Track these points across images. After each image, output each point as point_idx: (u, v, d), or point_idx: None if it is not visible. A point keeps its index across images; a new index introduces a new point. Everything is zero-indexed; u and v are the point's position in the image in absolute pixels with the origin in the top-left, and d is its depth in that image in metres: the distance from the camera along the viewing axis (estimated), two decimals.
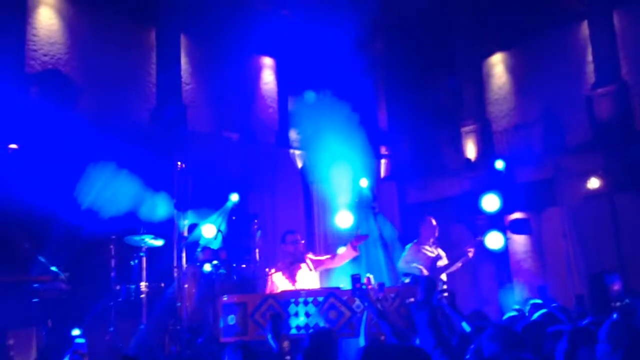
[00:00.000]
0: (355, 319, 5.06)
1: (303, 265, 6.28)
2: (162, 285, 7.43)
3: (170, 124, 9.76)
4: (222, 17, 10.68)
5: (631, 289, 7.87)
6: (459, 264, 7.33)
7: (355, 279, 4.93)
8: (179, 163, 7.99)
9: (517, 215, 11.02)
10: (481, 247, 7.77)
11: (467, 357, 3.59)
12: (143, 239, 7.12)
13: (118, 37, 9.78)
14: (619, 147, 9.96)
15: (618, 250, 9.59)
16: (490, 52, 12.97)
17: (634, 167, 9.57)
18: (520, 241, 11.20)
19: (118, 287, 7.08)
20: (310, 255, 6.47)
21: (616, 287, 7.79)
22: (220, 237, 7.76)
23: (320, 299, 5.19)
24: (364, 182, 10.17)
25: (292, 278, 6.17)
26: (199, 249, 7.91)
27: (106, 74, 9.41)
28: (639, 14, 10.77)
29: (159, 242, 7.37)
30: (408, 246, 7.40)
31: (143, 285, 7.03)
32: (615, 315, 3.40)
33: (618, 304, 7.32)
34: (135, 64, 10.06)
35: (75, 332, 6.21)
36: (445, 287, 7.03)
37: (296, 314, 5.19)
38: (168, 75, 10.18)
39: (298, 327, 5.17)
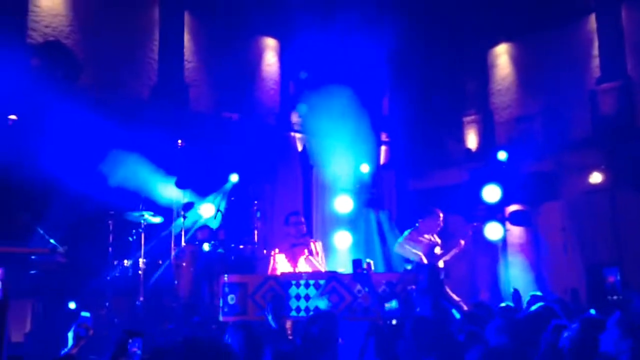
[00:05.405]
0: (356, 303, 5.05)
1: (306, 251, 6.22)
2: (160, 262, 7.40)
3: (171, 102, 9.66)
4: None
5: (627, 283, 7.88)
6: (448, 256, 7.31)
7: (357, 264, 4.91)
8: (179, 141, 7.95)
9: (515, 207, 11.02)
10: (478, 233, 7.74)
11: None
12: (142, 216, 7.08)
13: (121, 12, 9.64)
14: (621, 143, 9.94)
15: (617, 246, 9.60)
16: (495, 43, 12.85)
17: (635, 163, 9.56)
18: (516, 233, 11.21)
19: (116, 262, 7.05)
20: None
21: (611, 279, 7.81)
22: (219, 217, 7.74)
23: (322, 282, 5.18)
24: (365, 168, 10.15)
25: (293, 261, 6.14)
26: (194, 227, 7.89)
27: (108, 48, 9.27)
28: None
29: (158, 219, 7.33)
30: (407, 231, 7.37)
31: (141, 261, 7.00)
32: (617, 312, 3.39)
33: (615, 297, 7.34)
34: (138, 40, 9.93)
35: (72, 305, 6.18)
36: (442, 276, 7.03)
37: (297, 296, 5.17)
38: (170, 52, 10.07)
39: (298, 309, 5.16)
